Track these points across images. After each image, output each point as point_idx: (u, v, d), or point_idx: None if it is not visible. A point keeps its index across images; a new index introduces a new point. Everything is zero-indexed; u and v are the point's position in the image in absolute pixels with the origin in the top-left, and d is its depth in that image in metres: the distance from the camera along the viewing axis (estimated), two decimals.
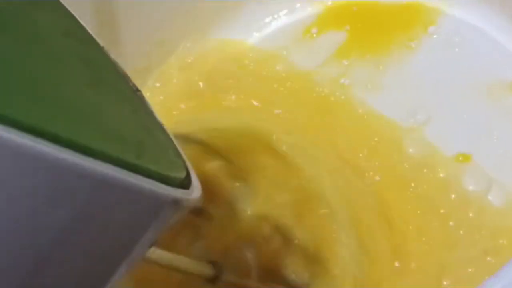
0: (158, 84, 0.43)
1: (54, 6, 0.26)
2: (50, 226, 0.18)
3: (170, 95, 0.42)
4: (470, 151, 0.36)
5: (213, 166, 0.37)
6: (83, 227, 0.19)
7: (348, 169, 0.37)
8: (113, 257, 0.21)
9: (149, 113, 0.27)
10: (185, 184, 0.24)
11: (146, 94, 0.41)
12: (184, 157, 0.26)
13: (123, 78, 0.27)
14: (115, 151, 0.20)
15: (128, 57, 0.42)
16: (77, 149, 0.18)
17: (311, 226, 0.35)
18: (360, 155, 0.38)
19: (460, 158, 0.36)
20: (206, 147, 0.38)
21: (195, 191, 0.24)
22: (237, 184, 0.37)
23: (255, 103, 0.41)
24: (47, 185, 0.18)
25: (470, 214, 0.35)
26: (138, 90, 0.27)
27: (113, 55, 0.28)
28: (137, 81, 0.27)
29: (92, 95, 0.22)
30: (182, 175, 0.24)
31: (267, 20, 0.45)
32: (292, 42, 0.43)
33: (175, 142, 0.26)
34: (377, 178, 0.37)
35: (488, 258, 0.33)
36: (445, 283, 0.33)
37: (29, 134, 0.17)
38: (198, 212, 0.36)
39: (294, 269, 0.34)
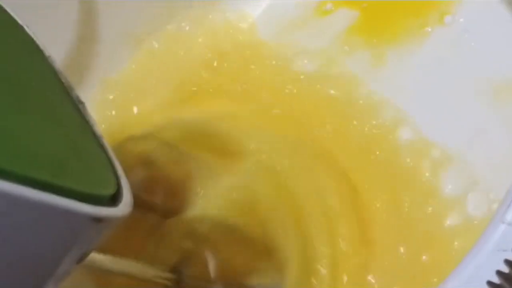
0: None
1: None
2: None
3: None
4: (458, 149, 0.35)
5: (178, 162, 0.37)
6: None
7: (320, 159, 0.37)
8: (35, 275, 0.21)
9: (86, 127, 0.27)
10: (114, 200, 0.24)
11: None
12: (120, 172, 0.26)
13: (64, 90, 0.27)
14: (25, 171, 0.20)
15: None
16: None
17: (275, 225, 0.35)
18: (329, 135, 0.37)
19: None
20: (169, 143, 0.38)
21: (123, 208, 0.23)
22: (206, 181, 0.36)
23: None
24: None
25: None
26: (81, 102, 0.27)
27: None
28: None
29: (12, 115, 0.22)
30: (109, 192, 0.23)
31: None
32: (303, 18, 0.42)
33: (112, 156, 0.26)
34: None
35: None
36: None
37: None
38: (158, 211, 0.36)
39: (259, 272, 0.34)
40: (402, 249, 0.33)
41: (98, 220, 0.22)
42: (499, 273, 0.23)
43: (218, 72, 0.41)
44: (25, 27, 0.27)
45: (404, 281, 0.33)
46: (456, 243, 0.33)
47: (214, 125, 0.38)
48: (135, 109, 0.41)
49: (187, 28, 0.43)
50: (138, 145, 0.38)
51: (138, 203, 0.33)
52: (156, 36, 0.43)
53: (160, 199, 0.36)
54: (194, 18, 0.43)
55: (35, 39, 0.27)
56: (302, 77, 0.40)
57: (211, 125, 0.38)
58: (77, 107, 0.27)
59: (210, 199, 0.35)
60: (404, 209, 0.34)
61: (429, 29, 0.38)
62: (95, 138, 0.27)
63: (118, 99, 0.41)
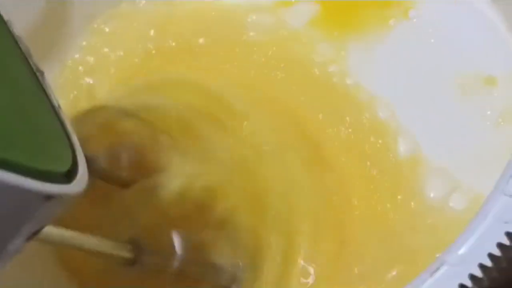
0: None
1: None
2: None
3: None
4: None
5: (145, 132, 0.36)
6: None
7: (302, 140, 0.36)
8: None
9: (43, 96, 0.25)
10: (68, 176, 0.23)
11: None
12: (77, 147, 0.25)
13: (21, 57, 0.26)
14: None
15: None
16: None
17: (249, 207, 0.34)
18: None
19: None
20: (137, 116, 0.37)
21: (77, 185, 0.23)
22: (173, 153, 0.35)
23: None
24: None
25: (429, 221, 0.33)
26: (39, 70, 0.26)
27: None
28: None
29: None
30: (63, 168, 0.23)
31: None
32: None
33: (70, 129, 0.25)
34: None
35: None
36: None
37: None
38: (119, 181, 0.34)
39: (223, 252, 0.33)
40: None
41: (49, 197, 0.21)
42: (500, 245, 0.23)
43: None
44: None
45: None
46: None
47: (180, 94, 0.38)
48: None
49: None
50: (101, 114, 0.37)
51: (100, 173, 0.33)
52: None
53: (122, 169, 0.34)
54: None
55: None
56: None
57: (177, 94, 0.38)
58: (35, 76, 0.25)
59: (175, 171, 0.34)
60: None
61: (392, 23, 0.38)
62: (52, 110, 0.25)
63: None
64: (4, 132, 0.21)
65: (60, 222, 0.28)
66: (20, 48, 0.25)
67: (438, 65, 0.37)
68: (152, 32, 0.41)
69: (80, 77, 0.41)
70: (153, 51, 0.41)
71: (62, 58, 0.41)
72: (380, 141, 0.35)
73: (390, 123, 0.36)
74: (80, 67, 0.41)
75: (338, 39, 0.39)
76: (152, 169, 0.34)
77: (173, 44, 0.41)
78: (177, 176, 0.34)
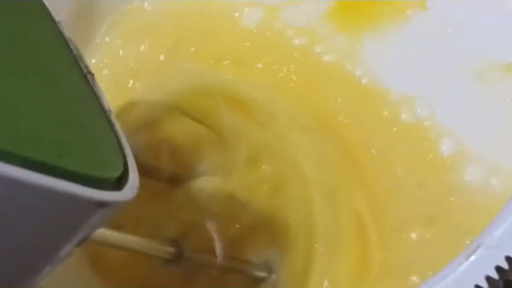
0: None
1: None
2: None
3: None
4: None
5: (186, 128, 0.37)
6: None
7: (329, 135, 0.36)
8: (34, 259, 0.21)
9: (94, 100, 0.26)
10: (119, 182, 0.23)
11: None
12: (128, 151, 0.25)
13: (73, 59, 0.26)
14: (26, 152, 0.19)
15: None
16: None
17: (286, 206, 0.34)
18: (343, 120, 0.37)
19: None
20: (177, 109, 0.37)
21: (129, 192, 0.23)
22: (212, 150, 0.36)
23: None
24: None
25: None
26: (89, 72, 0.26)
27: None
28: None
29: (16, 86, 0.21)
30: (115, 174, 0.23)
31: None
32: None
33: (120, 132, 0.25)
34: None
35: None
36: None
37: None
38: (163, 178, 0.35)
39: (260, 248, 0.34)
40: None
41: (102, 204, 0.21)
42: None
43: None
44: None
45: None
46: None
47: (222, 89, 0.38)
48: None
49: None
50: (143, 108, 0.37)
51: (143, 168, 0.33)
52: None
53: (166, 165, 0.35)
54: None
55: (45, 2, 0.26)
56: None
57: (218, 89, 0.38)
58: (85, 78, 0.26)
59: (218, 168, 0.34)
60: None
61: (410, 14, 0.39)
62: (103, 113, 0.26)
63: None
64: (58, 138, 0.21)
65: None
66: (71, 50, 0.26)
67: (457, 54, 0.37)
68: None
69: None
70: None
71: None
72: (413, 138, 0.36)
73: (412, 116, 0.36)
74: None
75: (353, 32, 0.39)
76: (191, 164, 0.35)
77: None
78: (216, 173, 0.34)
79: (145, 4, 0.43)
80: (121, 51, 0.43)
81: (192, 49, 0.41)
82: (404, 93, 0.37)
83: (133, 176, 0.24)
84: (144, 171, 0.33)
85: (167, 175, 0.35)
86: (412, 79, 0.37)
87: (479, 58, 0.37)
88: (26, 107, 0.21)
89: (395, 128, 0.36)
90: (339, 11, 0.40)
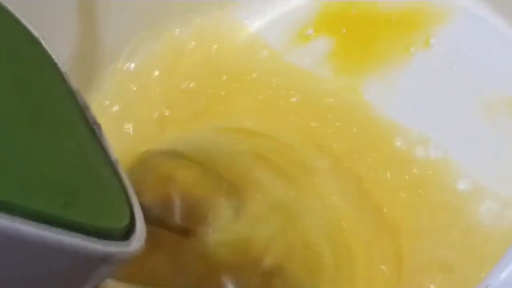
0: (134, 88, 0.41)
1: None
2: None
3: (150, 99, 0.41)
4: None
5: (199, 179, 0.36)
6: None
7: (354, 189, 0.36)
8: None
9: (100, 150, 0.25)
10: (126, 233, 0.23)
11: None
12: (135, 202, 0.24)
13: (79, 109, 0.26)
14: (35, 204, 0.19)
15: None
16: None
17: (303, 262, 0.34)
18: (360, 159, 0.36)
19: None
20: (194, 162, 0.36)
21: (135, 242, 0.22)
22: (229, 202, 0.35)
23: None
24: None
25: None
26: (96, 123, 0.26)
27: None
28: None
29: (24, 136, 0.21)
30: (121, 224, 0.22)
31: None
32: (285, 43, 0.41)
33: (127, 184, 0.25)
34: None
35: None
36: None
37: None
38: (177, 231, 0.34)
39: None
40: None
41: (107, 257, 0.21)
42: None
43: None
44: (41, 39, 0.26)
45: None
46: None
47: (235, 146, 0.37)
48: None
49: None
50: (153, 160, 0.37)
51: (156, 221, 0.33)
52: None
53: (179, 219, 0.34)
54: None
55: (51, 53, 0.26)
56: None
57: (232, 145, 0.37)
58: (92, 129, 0.26)
59: (231, 223, 0.34)
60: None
61: (414, 51, 0.39)
62: (110, 164, 0.25)
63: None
64: (65, 187, 0.21)
65: None
66: (77, 101, 0.26)
67: (462, 90, 0.37)
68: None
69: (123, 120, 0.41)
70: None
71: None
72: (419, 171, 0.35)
73: (419, 151, 0.36)
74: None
75: (357, 72, 0.39)
76: (206, 216, 0.34)
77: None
78: (231, 224, 0.34)
79: None
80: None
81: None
82: (414, 132, 0.37)
83: (140, 227, 0.23)
84: (156, 222, 0.32)
85: (179, 226, 0.34)
86: (420, 118, 0.37)
87: (485, 93, 0.37)
88: (32, 156, 0.21)
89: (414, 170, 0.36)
90: (342, 51, 0.40)
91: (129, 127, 0.40)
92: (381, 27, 0.40)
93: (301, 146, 0.37)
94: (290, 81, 0.40)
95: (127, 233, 0.23)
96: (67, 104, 0.25)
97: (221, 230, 0.34)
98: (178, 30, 0.42)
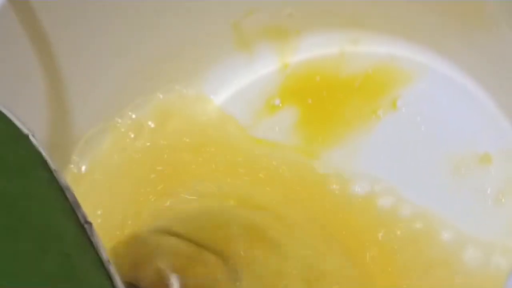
0: None
1: None
2: None
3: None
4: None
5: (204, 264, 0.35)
6: None
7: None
8: None
9: (91, 251, 0.24)
10: None
11: None
12: None
13: (69, 209, 0.25)
14: None
15: None
16: None
17: None
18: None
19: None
20: (192, 242, 0.35)
21: None
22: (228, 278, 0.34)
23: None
24: None
25: None
26: (87, 222, 0.25)
27: None
28: None
29: (4, 251, 0.21)
30: None
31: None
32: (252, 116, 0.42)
33: (119, 284, 0.24)
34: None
35: None
36: None
37: None
38: None
39: None
40: None
41: None
42: None
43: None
44: (30, 136, 0.25)
45: None
46: None
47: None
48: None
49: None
50: (150, 241, 0.35)
51: None
52: None
53: None
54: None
55: (40, 150, 0.25)
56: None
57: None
58: (83, 228, 0.25)
59: None
60: None
61: (381, 114, 0.39)
62: (101, 265, 0.24)
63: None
64: None
65: None
66: (67, 199, 0.25)
67: (431, 150, 0.38)
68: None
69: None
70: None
71: None
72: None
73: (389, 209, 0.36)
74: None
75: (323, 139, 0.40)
76: None
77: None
78: None
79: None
80: None
81: None
82: (383, 188, 0.37)
83: None
84: None
85: None
86: (388, 180, 0.37)
87: (453, 150, 0.37)
88: (13, 272, 0.21)
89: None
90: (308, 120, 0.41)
91: None
92: (347, 93, 0.40)
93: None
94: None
95: None
96: (55, 205, 0.25)
97: None
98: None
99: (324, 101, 0.40)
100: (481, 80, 0.38)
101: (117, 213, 0.38)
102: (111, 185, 0.39)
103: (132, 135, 0.40)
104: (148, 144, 0.40)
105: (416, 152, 0.38)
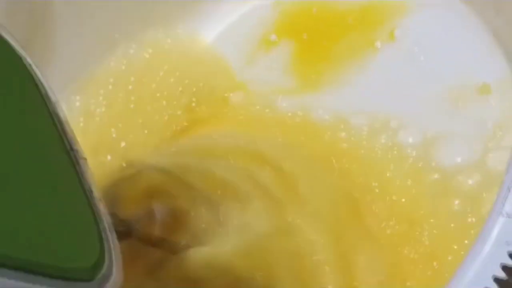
0: None
1: None
2: None
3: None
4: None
5: (186, 194, 0.36)
6: None
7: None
8: None
9: (81, 186, 0.24)
10: (93, 270, 0.22)
11: None
12: (111, 238, 0.24)
13: (63, 143, 0.25)
14: None
15: None
16: None
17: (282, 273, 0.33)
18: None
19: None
20: (175, 177, 0.36)
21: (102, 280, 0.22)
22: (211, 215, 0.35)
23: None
24: None
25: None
26: (82, 157, 0.25)
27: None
28: None
29: None
30: (89, 263, 0.22)
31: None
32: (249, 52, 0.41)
33: (106, 225, 0.24)
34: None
35: None
36: None
37: None
38: (162, 244, 0.34)
39: None
40: None
41: None
42: (505, 267, 0.23)
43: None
44: (33, 65, 0.25)
45: None
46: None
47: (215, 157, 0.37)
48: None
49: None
50: (141, 177, 0.36)
51: (141, 237, 0.32)
52: None
53: (165, 233, 0.34)
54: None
55: (41, 81, 0.25)
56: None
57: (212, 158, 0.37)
58: (76, 162, 0.25)
59: (216, 237, 0.33)
60: None
61: (379, 45, 0.38)
62: (91, 202, 0.24)
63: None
64: (34, 232, 0.21)
65: None
66: (65, 133, 0.25)
67: (430, 81, 0.37)
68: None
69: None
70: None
71: None
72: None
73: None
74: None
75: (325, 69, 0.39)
76: (188, 233, 0.34)
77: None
78: (211, 243, 0.33)
79: None
80: None
81: None
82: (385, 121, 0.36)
83: (117, 271, 0.23)
84: (141, 237, 0.33)
85: (168, 243, 0.34)
86: (386, 108, 0.37)
87: (452, 80, 0.36)
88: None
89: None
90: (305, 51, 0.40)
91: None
92: (344, 25, 0.40)
93: None
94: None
95: (95, 269, 0.22)
96: (52, 137, 0.25)
97: (203, 243, 0.33)
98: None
99: (321, 35, 0.40)
100: (476, 9, 0.37)
101: None
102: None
103: None
104: None
105: (416, 84, 0.37)
